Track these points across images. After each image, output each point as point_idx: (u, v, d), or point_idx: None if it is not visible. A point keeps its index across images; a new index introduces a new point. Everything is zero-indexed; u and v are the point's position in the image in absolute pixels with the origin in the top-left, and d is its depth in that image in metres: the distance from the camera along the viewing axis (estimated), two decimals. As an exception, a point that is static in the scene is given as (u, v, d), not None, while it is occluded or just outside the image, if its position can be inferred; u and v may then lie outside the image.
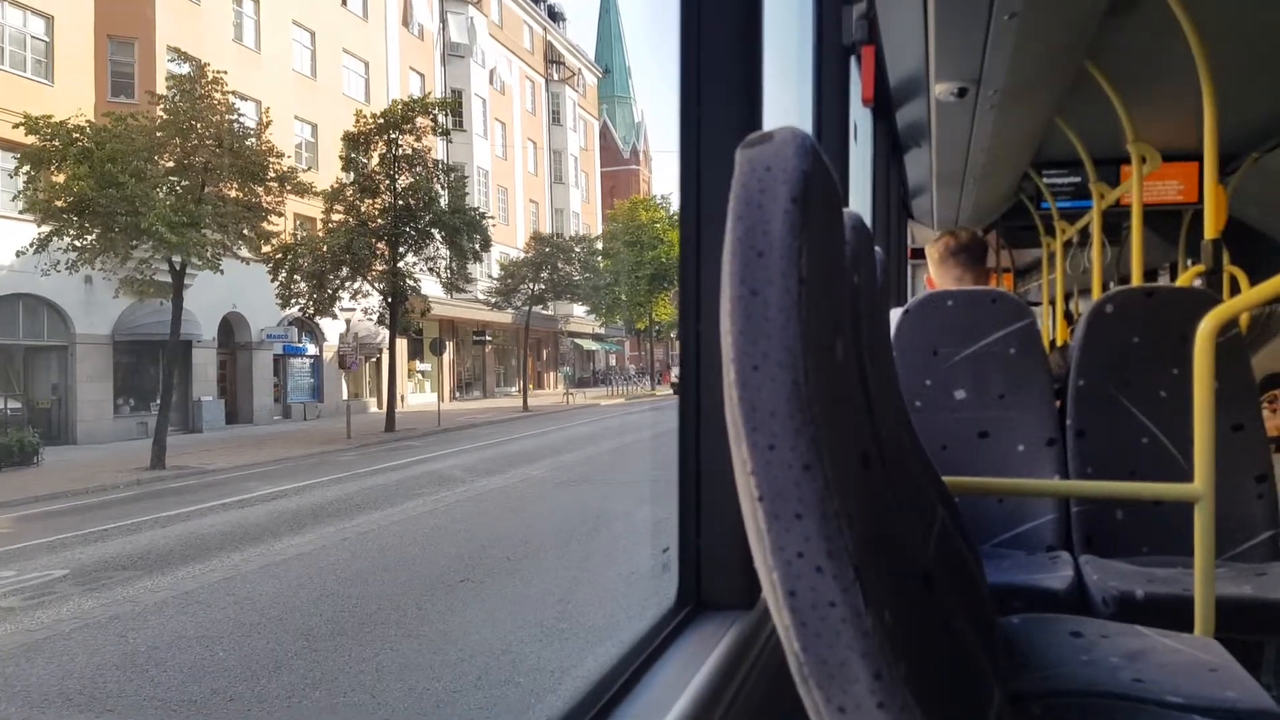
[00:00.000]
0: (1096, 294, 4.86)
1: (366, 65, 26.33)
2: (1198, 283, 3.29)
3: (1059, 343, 6.70)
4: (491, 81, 33.82)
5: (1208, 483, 1.78)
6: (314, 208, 19.19)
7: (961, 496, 2.05)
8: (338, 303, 19.04)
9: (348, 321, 20.09)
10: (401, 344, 23.98)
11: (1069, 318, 7.20)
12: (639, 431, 20.50)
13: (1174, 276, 6.56)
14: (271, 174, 15.68)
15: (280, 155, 16.19)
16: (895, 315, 2.50)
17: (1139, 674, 1.39)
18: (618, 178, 52.22)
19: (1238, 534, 2.27)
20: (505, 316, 29.68)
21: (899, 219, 6.59)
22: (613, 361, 43.86)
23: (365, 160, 19.50)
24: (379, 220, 19.23)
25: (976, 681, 0.85)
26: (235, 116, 15.41)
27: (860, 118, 3.71)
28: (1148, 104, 3.95)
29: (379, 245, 19.04)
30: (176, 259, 13.93)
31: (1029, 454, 2.45)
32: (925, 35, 3.33)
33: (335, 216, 19.11)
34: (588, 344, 40.60)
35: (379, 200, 19.38)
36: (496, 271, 28.84)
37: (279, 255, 18.11)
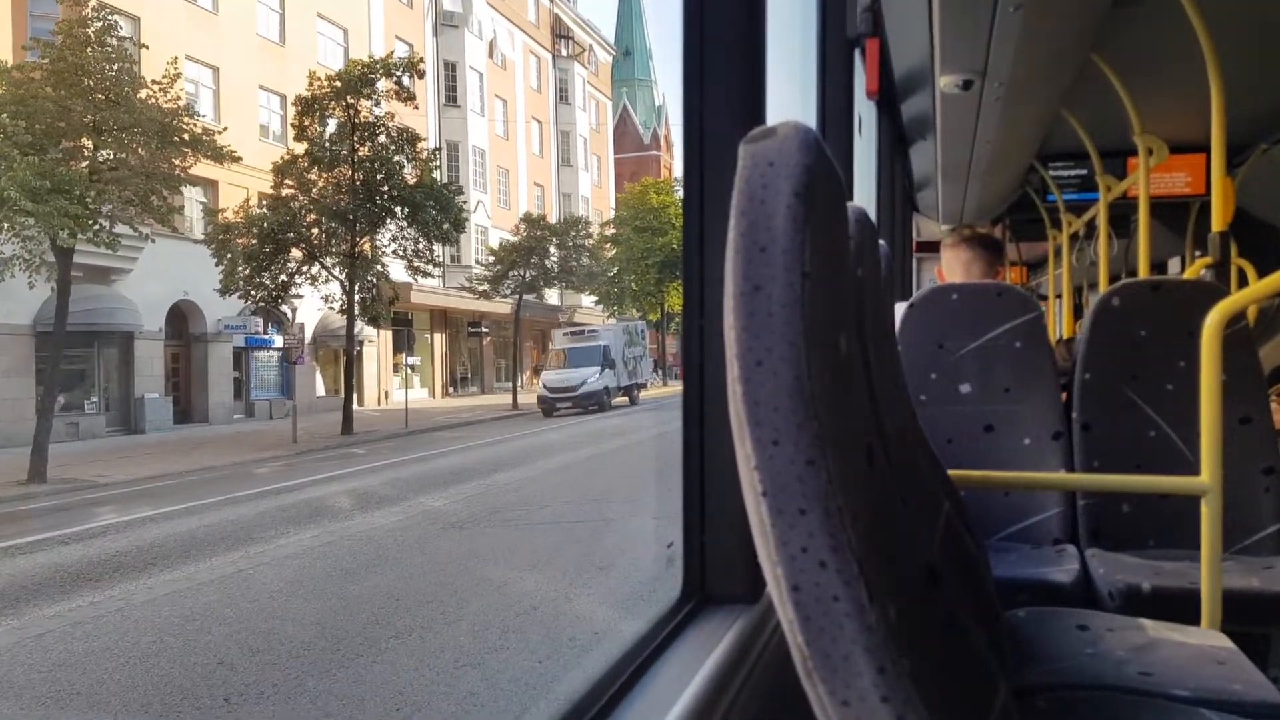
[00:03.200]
0: (1103, 287, 4.84)
1: (345, 33, 24.13)
2: (1205, 275, 3.28)
3: (1066, 336, 6.67)
4: (490, 55, 31.65)
5: (1215, 476, 1.78)
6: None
7: (967, 490, 2.05)
8: (291, 289, 16.93)
9: (293, 312, 18.43)
10: (385, 336, 22.76)
11: (1078, 312, 7.15)
12: (616, 439, 17.70)
13: (1182, 269, 6.53)
14: (186, 136, 13.48)
15: (195, 115, 14.21)
16: (900, 309, 2.50)
17: (1145, 667, 1.38)
18: (638, 164, 49.67)
19: (1245, 527, 2.26)
20: (504, 306, 27.21)
21: (904, 212, 6.58)
22: (632, 355, 42.71)
23: (319, 127, 17.52)
24: (335, 196, 17.24)
25: (981, 675, 0.85)
26: (129, 65, 13.08)
27: (865, 111, 3.70)
28: (1154, 96, 3.93)
29: (331, 223, 17.02)
30: (64, 234, 11.75)
31: (1035, 447, 2.45)
32: (930, 28, 3.31)
33: (286, 191, 17.17)
34: (594, 337, 39.77)
35: (334, 174, 17.39)
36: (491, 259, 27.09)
37: (221, 236, 16.25)
